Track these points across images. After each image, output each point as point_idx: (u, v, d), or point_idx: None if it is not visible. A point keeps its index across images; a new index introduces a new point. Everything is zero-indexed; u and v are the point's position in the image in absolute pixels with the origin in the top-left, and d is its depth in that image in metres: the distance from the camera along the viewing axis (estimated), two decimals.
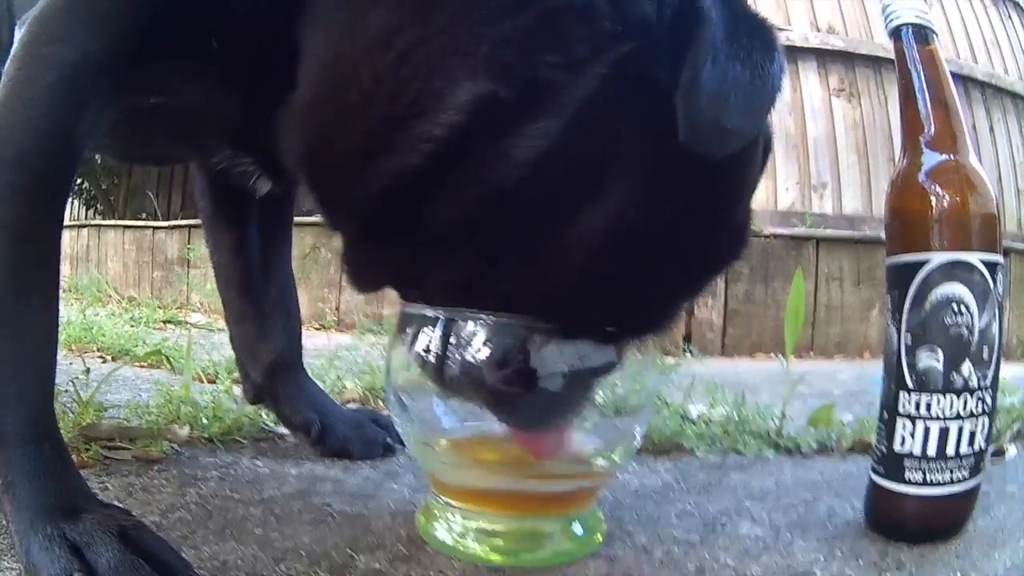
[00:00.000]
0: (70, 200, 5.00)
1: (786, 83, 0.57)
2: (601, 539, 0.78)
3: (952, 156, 0.81)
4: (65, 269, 4.70)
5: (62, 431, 0.68)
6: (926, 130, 0.82)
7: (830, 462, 1.18)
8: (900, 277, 0.81)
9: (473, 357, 0.68)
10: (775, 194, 3.83)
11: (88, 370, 1.15)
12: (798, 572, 0.73)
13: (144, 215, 5.25)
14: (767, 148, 0.67)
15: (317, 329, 3.23)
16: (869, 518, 0.86)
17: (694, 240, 0.64)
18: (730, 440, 1.23)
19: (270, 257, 1.11)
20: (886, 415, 0.82)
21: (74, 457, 0.92)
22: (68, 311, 2.89)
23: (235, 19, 0.69)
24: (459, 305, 0.66)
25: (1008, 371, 0.94)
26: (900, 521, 0.81)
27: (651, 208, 0.60)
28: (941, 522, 0.81)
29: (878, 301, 3.11)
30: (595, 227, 0.59)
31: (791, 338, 1.35)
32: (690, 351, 2.66)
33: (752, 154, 0.65)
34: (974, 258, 0.78)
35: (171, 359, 1.70)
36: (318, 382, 1.16)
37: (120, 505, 0.69)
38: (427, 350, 0.70)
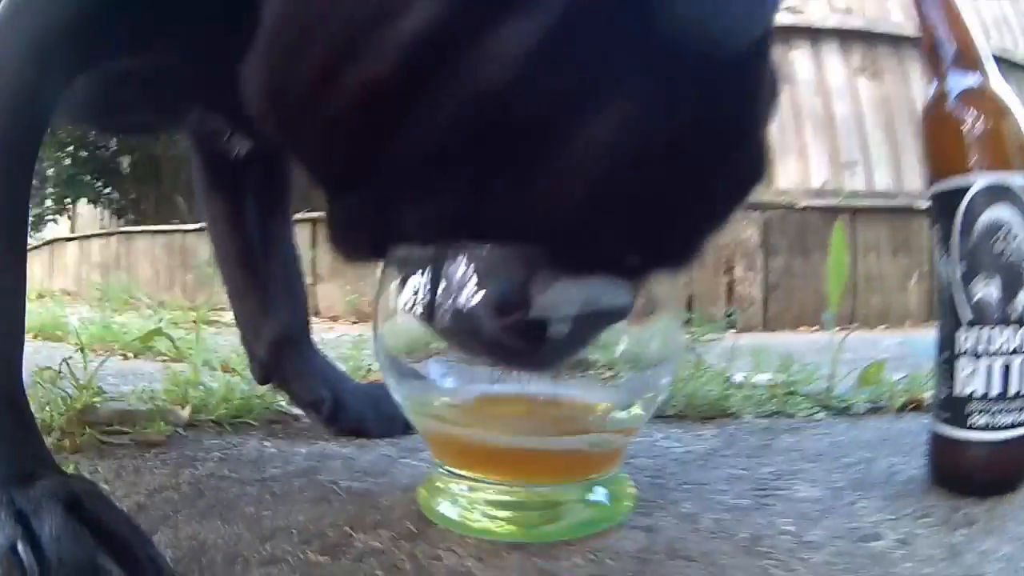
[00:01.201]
0: (99, 209, 5.12)
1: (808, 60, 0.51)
2: (631, 506, 0.70)
3: (978, 75, 0.79)
4: (95, 277, 4.73)
5: (55, 414, 0.67)
6: (947, 51, 0.80)
7: (884, 420, 1.13)
8: (945, 205, 0.78)
9: (468, 297, 0.60)
10: (807, 173, 3.86)
11: (82, 348, 1.09)
12: (864, 534, 0.67)
13: (175, 221, 5.24)
14: (775, 86, 0.59)
15: (354, 323, 3.18)
16: (934, 473, 0.81)
17: (713, 153, 0.57)
18: (778, 403, 1.18)
19: (269, 229, 1.05)
20: (945, 357, 0.78)
21: (67, 442, 0.90)
22: (93, 314, 2.89)
23: None
24: (457, 242, 0.59)
25: None
26: (967, 472, 0.77)
27: (664, 113, 0.53)
28: (1011, 470, 0.77)
29: (916, 270, 3.15)
30: (603, 135, 0.52)
31: (835, 289, 1.33)
32: (732, 324, 2.60)
33: (761, 69, 0.58)
34: (1017, 180, 0.76)
35: (178, 346, 1.64)
36: (342, 366, 1.09)
37: (91, 479, 0.67)
38: (416, 295, 0.62)
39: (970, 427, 0.75)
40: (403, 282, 0.64)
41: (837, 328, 1.40)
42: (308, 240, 3.45)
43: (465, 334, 0.62)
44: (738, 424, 1.10)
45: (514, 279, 0.59)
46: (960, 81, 0.78)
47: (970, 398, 0.75)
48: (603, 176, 0.52)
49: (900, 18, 4.06)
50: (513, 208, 0.54)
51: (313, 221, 3.42)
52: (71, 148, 6.08)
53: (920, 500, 0.75)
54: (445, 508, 0.67)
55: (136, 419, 0.98)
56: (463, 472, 0.68)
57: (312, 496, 0.75)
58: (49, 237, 6.40)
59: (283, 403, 1.11)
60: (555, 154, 0.52)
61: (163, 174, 5.95)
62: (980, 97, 0.77)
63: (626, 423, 0.70)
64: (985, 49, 0.79)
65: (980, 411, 0.75)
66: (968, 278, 0.76)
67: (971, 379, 0.75)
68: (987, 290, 0.75)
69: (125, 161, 6.33)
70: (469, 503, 0.67)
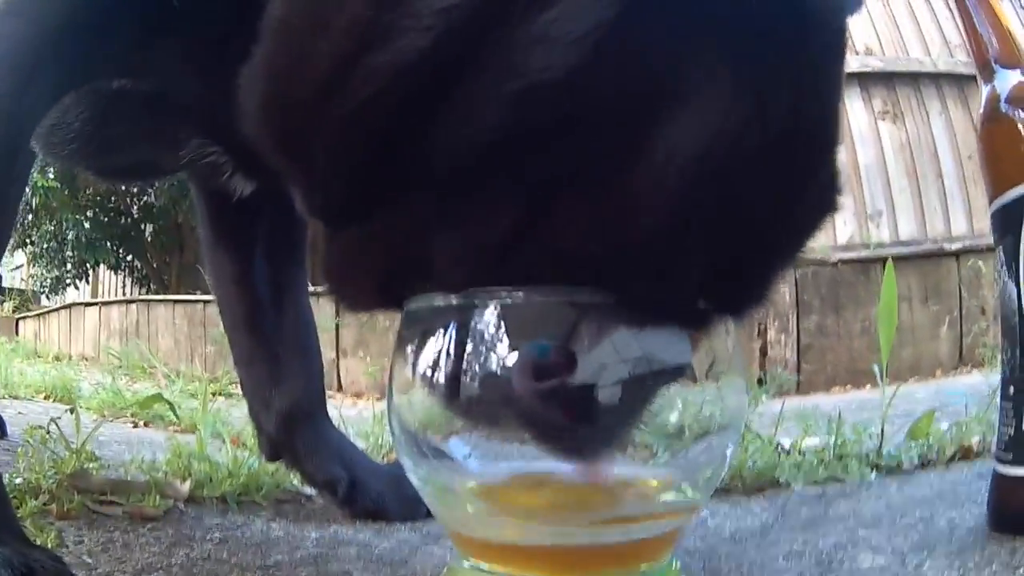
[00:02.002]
0: (121, 277, 5.16)
1: None
2: None
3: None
4: (114, 343, 4.72)
5: (45, 476, 0.64)
6: (992, 49, 0.79)
7: (935, 474, 1.10)
8: (1010, 218, 0.75)
9: (500, 360, 0.51)
10: (834, 230, 3.77)
11: (73, 410, 1.03)
12: None
13: (197, 291, 5.24)
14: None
15: (378, 399, 3.13)
16: (994, 518, 0.77)
17: (802, 168, 0.49)
18: (827, 468, 1.12)
19: (281, 289, 0.99)
20: (1011, 390, 0.75)
21: (54, 507, 0.83)
22: (107, 380, 2.83)
23: None
24: (491, 284, 0.49)
25: None
26: None
27: (757, 115, 0.45)
28: None
29: (947, 315, 3.13)
30: (688, 142, 0.44)
31: (887, 334, 1.28)
32: (765, 390, 2.53)
33: (841, 72, 0.52)
34: None
35: (179, 415, 1.58)
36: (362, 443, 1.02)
37: (69, 551, 0.63)
38: (436, 359, 0.53)
39: None
40: (422, 342, 0.55)
41: (888, 380, 1.34)
42: (331, 312, 3.42)
43: (496, 406, 0.53)
44: (788, 494, 1.04)
45: (554, 334, 0.50)
46: (1008, 79, 0.78)
47: None
48: (685, 195, 0.44)
49: (918, 53, 4.06)
50: (568, 239, 0.46)
51: None
52: (91, 212, 6.12)
53: (983, 549, 0.71)
54: None
55: (131, 490, 0.92)
56: (492, 568, 0.57)
57: None
58: (69, 301, 6.43)
59: (295, 481, 1.04)
60: (626, 166, 0.44)
61: (185, 244, 5.98)
62: None
63: (683, 505, 0.61)
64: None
65: None
66: None
67: None
68: None
69: (148, 229, 6.36)
70: None
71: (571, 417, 0.51)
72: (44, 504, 0.84)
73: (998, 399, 0.77)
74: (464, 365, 0.52)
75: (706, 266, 0.47)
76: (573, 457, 0.56)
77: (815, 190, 0.51)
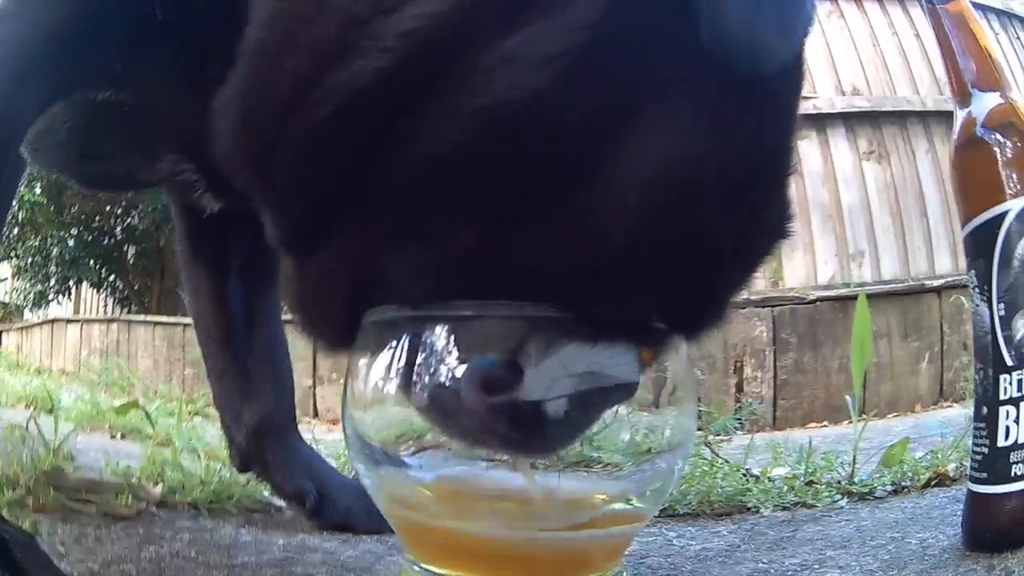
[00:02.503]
0: (103, 296, 5.14)
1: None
2: None
3: (1001, 95, 0.78)
4: (94, 361, 4.70)
5: (23, 470, 0.65)
6: (969, 72, 0.80)
7: (908, 500, 1.08)
8: (981, 241, 0.76)
9: (450, 372, 0.52)
10: (815, 269, 3.84)
11: (52, 409, 1.03)
12: None
13: (178, 314, 5.23)
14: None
15: None
16: (969, 537, 0.77)
17: (759, 190, 0.51)
18: (797, 494, 1.12)
19: (254, 306, 1.00)
20: (985, 410, 0.75)
21: (30, 500, 0.85)
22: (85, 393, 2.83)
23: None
24: (453, 299, 0.50)
25: None
26: (1006, 527, 0.73)
27: (715, 136, 0.47)
28: None
29: (927, 351, 3.11)
30: (650, 161, 0.45)
31: (859, 365, 1.30)
32: (740, 425, 2.54)
33: (797, 97, 0.54)
34: None
35: (154, 421, 1.57)
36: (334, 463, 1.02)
37: (41, 537, 0.63)
38: (390, 368, 0.54)
39: (1013, 478, 0.71)
40: (376, 354, 0.56)
41: (859, 413, 1.36)
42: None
43: (445, 414, 0.54)
44: (757, 518, 1.04)
45: (503, 348, 0.51)
46: (985, 102, 0.78)
47: (1015, 446, 0.71)
48: (643, 217, 0.46)
49: (906, 92, 4.08)
50: (526, 256, 0.47)
51: None
52: (76, 230, 6.09)
53: (957, 567, 0.72)
54: None
55: (105, 489, 0.93)
56: (438, 570, 0.58)
57: None
58: (51, 316, 6.39)
59: (266, 492, 1.04)
60: (586, 188, 0.45)
61: (167, 268, 5.95)
62: (1008, 116, 0.76)
63: (630, 514, 0.61)
64: (999, 65, 0.79)
65: None
66: (1008, 320, 0.73)
67: (1015, 427, 0.71)
68: None
69: (130, 251, 6.33)
70: None
71: (516, 429, 0.52)
72: (21, 497, 0.85)
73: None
74: (415, 376, 0.53)
75: (661, 286, 0.49)
76: (517, 454, 0.57)
77: (768, 215, 0.53)
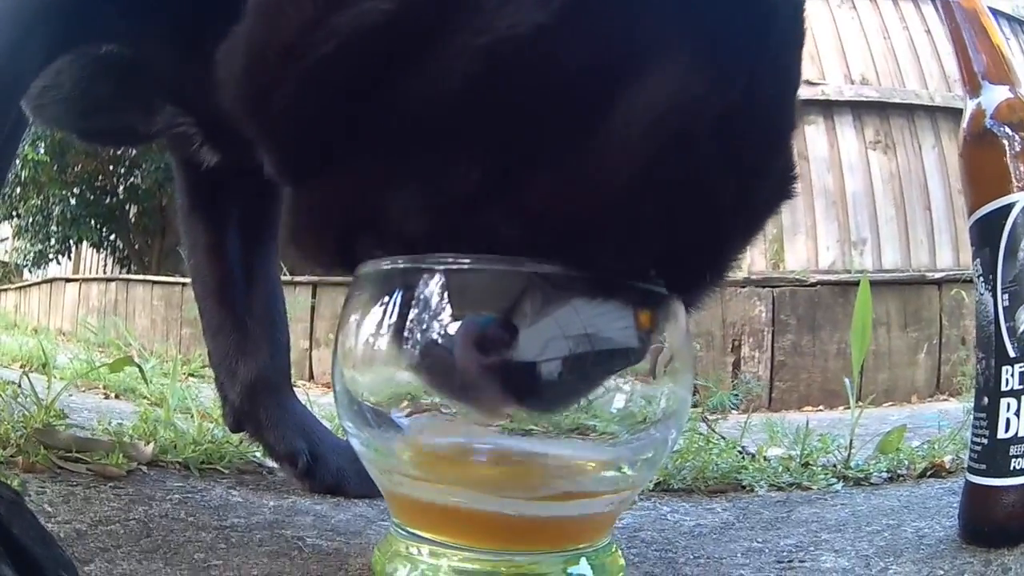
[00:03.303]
0: (103, 255, 5.14)
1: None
2: None
3: (1010, 88, 0.78)
4: (92, 320, 4.70)
5: (13, 428, 0.65)
6: (980, 64, 0.80)
7: (904, 488, 1.08)
8: (987, 230, 0.76)
9: (443, 328, 0.51)
10: (816, 254, 3.86)
11: (46, 364, 1.02)
12: None
13: (177, 275, 5.22)
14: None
15: None
16: (965, 530, 0.77)
17: (759, 141, 0.51)
18: (793, 475, 1.11)
19: (253, 262, 0.99)
20: (986, 401, 0.75)
21: (20, 459, 0.84)
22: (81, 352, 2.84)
23: None
24: (449, 245, 0.50)
25: None
26: (1004, 520, 0.72)
27: (715, 82, 0.46)
28: None
29: (925, 342, 3.12)
30: (648, 106, 0.45)
31: (859, 350, 1.29)
32: (737, 403, 2.54)
33: (796, 66, 0.54)
34: None
35: (148, 379, 1.56)
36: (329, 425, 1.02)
37: (25, 493, 0.63)
38: (382, 322, 0.53)
39: (1013, 472, 0.71)
40: (367, 309, 0.55)
41: (856, 399, 1.36)
42: (307, 302, 3.40)
43: (438, 373, 0.53)
44: (751, 497, 1.04)
45: (498, 306, 0.50)
46: (995, 95, 0.78)
47: (1014, 439, 0.71)
48: (643, 160, 0.45)
49: (915, 85, 4.08)
50: (526, 200, 0.46)
51: (314, 284, 3.39)
52: (78, 189, 6.08)
53: (954, 559, 0.71)
54: (402, 574, 0.57)
55: (96, 448, 0.92)
56: (425, 534, 0.57)
57: (272, 550, 0.67)
58: (50, 276, 6.39)
59: (258, 454, 1.03)
60: (586, 130, 0.45)
61: (168, 227, 5.95)
62: (1017, 109, 0.77)
63: (622, 483, 0.60)
64: (1010, 59, 0.80)
65: None
66: (1012, 310, 0.73)
67: (1016, 419, 0.71)
68: None
69: (132, 210, 6.32)
70: (430, 570, 0.56)
71: (510, 390, 0.51)
72: (11, 456, 0.84)
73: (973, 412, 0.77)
74: (407, 333, 0.52)
75: (660, 233, 0.48)
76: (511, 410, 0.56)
77: (770, 174, 0.53)
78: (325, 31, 0.46)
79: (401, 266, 0.52)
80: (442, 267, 0.50)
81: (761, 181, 0.52)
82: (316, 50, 0.46)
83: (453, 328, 0.51)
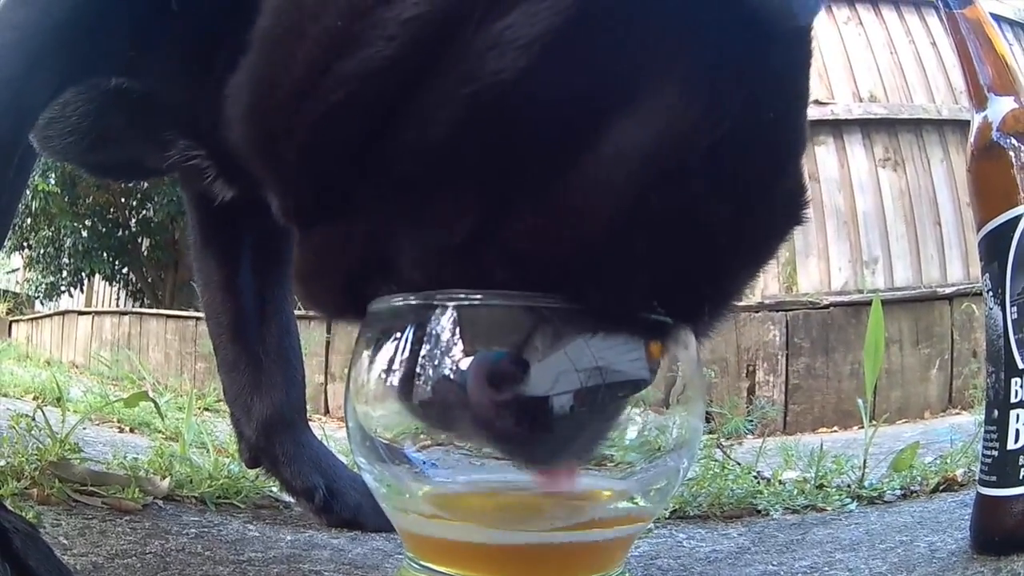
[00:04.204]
0: (116, 288, 5.14)
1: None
2: None
3: (1016, 99, 0.79)
4: (105, 353, 4.71)
5: (28, 461, 0.64)
6: (985, 76, 0.80)
7: (917, 503, 1.09)
8: (996, 244, 0.76)
9: (454, 366, 0.51)
10: (828, 275, 3.84)
11: (60, 399, 1.03)
12: None
13: (191, 309, 5.24)
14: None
15: None
16: (977, 540, 0.77)
17: (757, 170, 0.50)
18: (807, 497, 1.12)
19: (266, 298, 0.99)
20: (996, 414, 0.75)
21: (35, 491, 0.85)
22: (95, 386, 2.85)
23: None
24: (451, 286, 0.50)
25: None
26: (1012, 528, 0.72)
27: (709, 113, 0.46)
28: None
29: (937, 358, 3.12)
30: (638, 140, 0.45)
31: (872, 369, 1.30)
32: (752, 428, 2.53)
33: (806, 78, 0.53)
34: None
35: (163, 413, 1.57)
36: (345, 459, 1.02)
37: (46, 529, 0.63)
38: (392, 361, 0.53)
39: (1022, 481, 0.71)
40: (379, 345, 0.55)
41: (870, 418, 1.37)
42: (322, 337, 3.41)
43: (450, 410, 0.52)
44: (767, 521, 1.04)
45: (508, 342, 0.50)
46: (1001, 107, 0.78)
47: None
48: (635, 194, 0.45)
49: (923, 100, 4.07)
50: (523, 239, 0.47)
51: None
52: (89, 222, 6.11)
53: (964, 570, 0.71)
54: None
55: (111, 482, 0.92)
56: (439, 568, 0.57)
57: None
58: (63, 308, 6.41)
59: (275, 488, 1.04)
60: (578, 164, 0.45)
61: (180, 261, 5.97)
62: (1023, 118, 0.77)
63: (635, 513, 0.60)
64: (1016, 70, 0.80)
65: None
66: (1021, 323, 0.73)
67: None
68: None
69: (144, 243, 6.35)
70: None
71: (524, 426, 0.51)
72: (26, 488, 0.84)
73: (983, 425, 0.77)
74: (418, 368, 0.52)
75: (660, 270, 0.48)
76: (531, 465, 0.56)
77: (776, 198, 0.52)
78: (334, 79, 0.47)
79: (412, 302, 0.52)
80: (453, 303, 0.50)
81: (763, 207, 0.51)
82: (327, 98, 0.47)
83: (464, 364, 0.51)
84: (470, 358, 0.51)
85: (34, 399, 2.27)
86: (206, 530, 0.83)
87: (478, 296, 0.50)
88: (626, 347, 0.51)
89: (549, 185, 0.46)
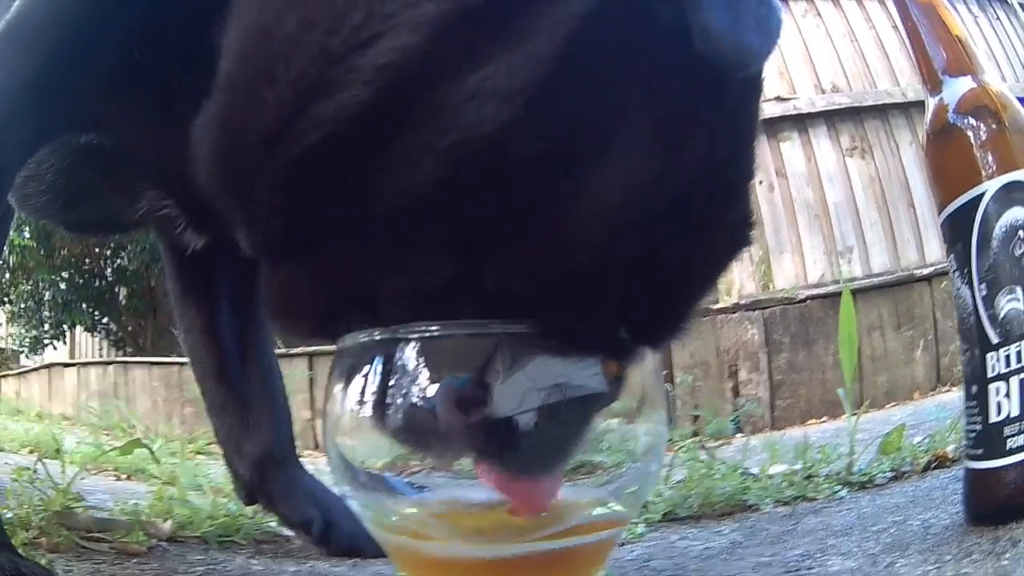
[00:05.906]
0: (98, 339, 5.08)
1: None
2: None
3: (973, 78, 0.79)
4: (93, 404, 4.68)
5: (34, 511, 0.66)
6: (939, 59, 0.81)
7: (909, 484, 1.11)
8: (959, 224, 0.77)
9: (422, 392, 0.53)
10: (804, 269, 3.83)
11: (59, 450, 1.04)
12: None
13: (173, 354, 5.21)
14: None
15: None
16: (971, 514, 0.79)
17: (717, 204, 0.53)
18: (797, 488, 1.13)
19: (247, 339, 1.02)
20: (975, 389, 0.76)
21: (43, 540, 0.86)
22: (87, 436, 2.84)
23: (161, 37, 0.63)
24: (427, 319, 0.52)
25: None
26: (1005, 499, 0.74)
27: (676, 155, 0.49)
28: None
29: (921, 339, 3.16)
30: (602, 196, 0.47)
31: (849, 360, 1.33)
32: (738, 427, 2.55)
33: (756, 112, 0.56)
34: None
35: (158, 458, 1.58)
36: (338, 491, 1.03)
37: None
38: (364, 390, 0.55)
39: (1008, 451, 0.72)
40: (351, 374, 0.56)
41: (852, 405, 1.39)
42: (305, 374, 3.41)
43: (420, 435, 0.55)
44: (758, 515, 1.06)
45: (470, 367, 0.52)
46: (957, 88, 0.78)
47: (1007, 420, 0.72)
48: (606, 239, 0.48)
49: (887, 84, 4.08)
50: (497, 280, 0.49)
51: (310, 355, 3.41)
52: (66, 274, 6.08)
53: (960, 542, 0.72)
54: None
55: (115, 528, 0.94)
56: None
57: None
58: (48, 361, 6.36)
59: (273, 523, 1.05)
60: (552, 213, 0.47)
61: (159, 308, 5.93)
62: (979, 100, 0.77)
63: (612, 518, 0.62)
64: (970, 47, 0.80)
65: (1018, 432, 0.72)
66: (990, 298, 0.74)
67: (1006, 401, 0.72)
68: (1012, 304, 0.73)
69: (121, 293, 6.32)
70: None
71: (493, 445, 0.53)
72: (34, 537, 0.85)
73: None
74: (388, 399, 0.54)
75: (622, 304, 0.51)
76: (509, 474, 0.57)
77: (728, 227, 0.55)
78: (310, 121, 0.48)
79: (377, 337, 0.54)
80: (416, 335, 0.52)
81: (717, 236, 0.54)
82: (302, 140, 0.48)
83: (431, 391, 0.53)
84: (436, 385, 0.53)
85: (31, 452, 2.27)
86: (212, 567, 0.85)
87: (436, 328, 0.52)
88: (584, 365, 0.54)
89: (525, 230, 0.48)
